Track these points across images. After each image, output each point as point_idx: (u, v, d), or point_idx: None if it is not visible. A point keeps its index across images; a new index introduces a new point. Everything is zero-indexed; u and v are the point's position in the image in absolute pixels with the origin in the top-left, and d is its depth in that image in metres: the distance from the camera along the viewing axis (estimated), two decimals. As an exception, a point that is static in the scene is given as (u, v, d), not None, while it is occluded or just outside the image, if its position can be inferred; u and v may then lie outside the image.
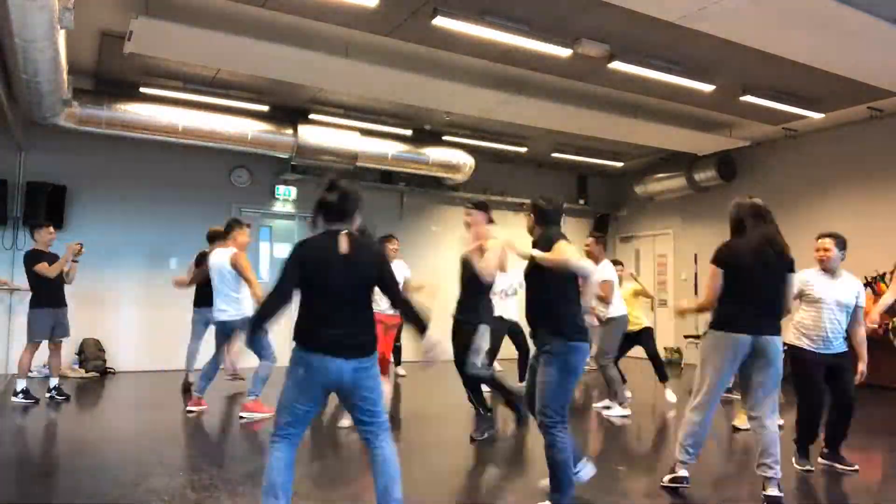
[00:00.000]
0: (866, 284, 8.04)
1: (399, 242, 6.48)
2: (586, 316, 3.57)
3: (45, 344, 6.37)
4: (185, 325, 6.86)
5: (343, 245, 2.75)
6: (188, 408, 5.82)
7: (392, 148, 9.34)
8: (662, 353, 10.52)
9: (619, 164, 11.33)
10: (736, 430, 5.48)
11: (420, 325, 2.84)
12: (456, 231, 10.76)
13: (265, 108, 8.41)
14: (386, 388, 4.64)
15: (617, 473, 4.20)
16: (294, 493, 3.55)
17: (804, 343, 4.23)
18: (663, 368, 6.96)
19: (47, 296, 6.26)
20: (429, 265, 10.33)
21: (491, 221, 4.82)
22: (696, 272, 10.76)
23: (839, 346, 4.22)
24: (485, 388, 5.24)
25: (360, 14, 5.71)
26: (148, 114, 7.69)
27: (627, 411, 6.10)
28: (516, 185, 11.41)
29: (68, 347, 8.09)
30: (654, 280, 11.58)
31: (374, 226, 3.21)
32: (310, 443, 5.03)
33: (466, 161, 9.98)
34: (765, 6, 5.07)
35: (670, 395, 6.85)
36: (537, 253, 3.37)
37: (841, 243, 4.25)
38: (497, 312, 5.66)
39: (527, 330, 3.60)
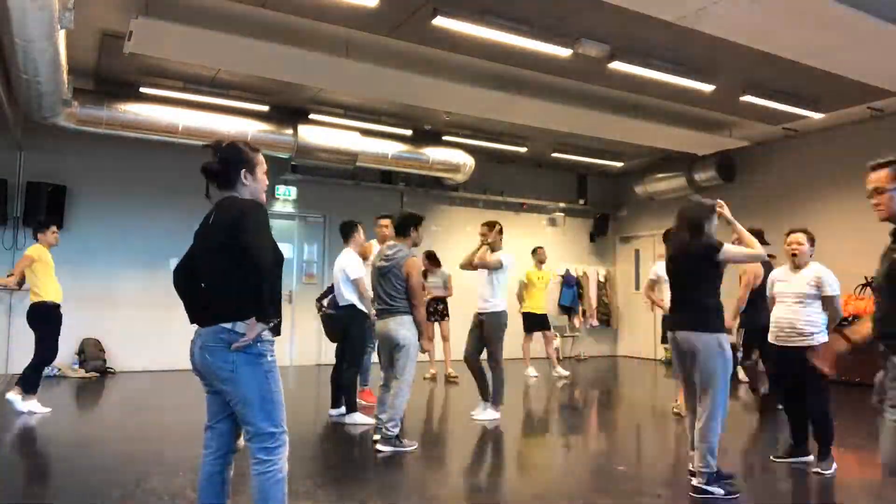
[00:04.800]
0: (865, 284, 8.03)
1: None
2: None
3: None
4: (185, 325, 6.83)
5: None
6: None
7: (392, 148, 9.34)
8: (662, 353, 10.54)
9: (619, 164, 11.33)
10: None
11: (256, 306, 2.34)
12: (456, 231, 10.85)
13: (265, 108, 8.41)
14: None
15: (617, 473, 4.20)
16: (294, 492, 3.57)
17: (771, 338, 4.45)
18: None
19: None
20: (429, 265, 10.36)
21: None
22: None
23: (800, 341, 4.23)
24: None
25: (360, 14, 5.71)
26: (148, 114, 7.69)
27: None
28: (516, 185, 11.41)
29: (68, 347, 8.12)
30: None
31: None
32: (311, 440, 5.03)
33: (466, 161, 9.98)
34: (765, 6, 5.07)
35: None
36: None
37: (810, 239, 4.42)
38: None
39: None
